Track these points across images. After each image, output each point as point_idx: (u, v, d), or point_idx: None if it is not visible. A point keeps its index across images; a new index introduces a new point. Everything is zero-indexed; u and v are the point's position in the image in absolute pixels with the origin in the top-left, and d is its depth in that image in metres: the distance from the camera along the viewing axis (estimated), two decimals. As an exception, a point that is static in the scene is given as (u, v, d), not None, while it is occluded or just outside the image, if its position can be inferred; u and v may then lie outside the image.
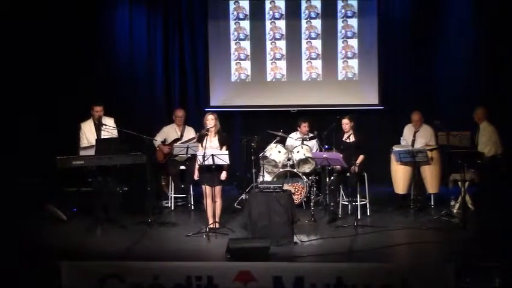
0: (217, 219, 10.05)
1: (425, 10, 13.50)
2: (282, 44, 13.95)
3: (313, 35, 13.86)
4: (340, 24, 13.80)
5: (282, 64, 13.96)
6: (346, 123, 11.01)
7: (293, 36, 13.91)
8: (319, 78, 13.91)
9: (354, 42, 13.80)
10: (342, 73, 13.85)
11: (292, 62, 13.94)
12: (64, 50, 13.17)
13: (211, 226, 9.91)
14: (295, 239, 9.43)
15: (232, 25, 14.01)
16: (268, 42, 13.97)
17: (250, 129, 13.38)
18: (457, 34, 13.39)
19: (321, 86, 13.91)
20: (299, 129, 12.00)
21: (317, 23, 13.85)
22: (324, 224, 10.57)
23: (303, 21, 13.87)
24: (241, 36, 13.99)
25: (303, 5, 13.85)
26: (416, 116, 11.42)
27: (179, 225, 10.65)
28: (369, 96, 13.79)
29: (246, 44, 14.00)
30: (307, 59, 13.88)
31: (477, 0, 13.28)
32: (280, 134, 12.01)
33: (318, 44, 13.87)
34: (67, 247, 9.33)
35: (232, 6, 13.99)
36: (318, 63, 13.89)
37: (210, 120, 10.08)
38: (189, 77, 14.19)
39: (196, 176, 10.23)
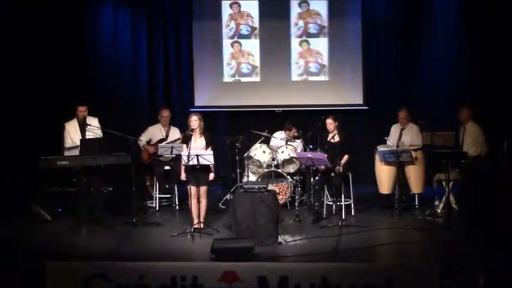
0: (202, 220, 10.02)
1: (410, 11, 13.56)
2: (268, 44, 13.98)
3: (299, 34, 13.93)
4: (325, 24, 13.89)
5: (267, 64, 13.99)
6: (330, 123, 11.00)
7: (281, 35, 13.94)
8: (304, 79, 13.94)
9: (338, 43, 13.86)
10: (326, 73, 13.89)
11: (279, 62, 13.94)
12: (48, 50, 13.09)
13: (196, 226, 9.90)
14: (280, 239, 9.45)
15: (220, 25, 14.01)
16: (256, 42, 14.03)
17: (234, 129, 13.37)
18: (442, 35, 13.47)
19: (305, 86, 13.92)
20: (287, 132, 11.99)
21: (302, 23, 13.92)
22: (308, 224, 10.59)
23: (292, 21, 13.92)
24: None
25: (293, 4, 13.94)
26: (403, 114, 11.42)
27: (164, 225, 10.64)
28: (353, 97, 13.81)
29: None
30: (295, 60, 13.94)
31: (461, 2, 13.35)
32: (264, 134, 12.02)
33: (305, 43, 13.92)
34: (52, 247, 9.31)
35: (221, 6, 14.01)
36: (303, 63, 13.93)
37: (194, 122, 10.08)
38: (174, 77, 14.17)
39: (183, 177, 10.22)
